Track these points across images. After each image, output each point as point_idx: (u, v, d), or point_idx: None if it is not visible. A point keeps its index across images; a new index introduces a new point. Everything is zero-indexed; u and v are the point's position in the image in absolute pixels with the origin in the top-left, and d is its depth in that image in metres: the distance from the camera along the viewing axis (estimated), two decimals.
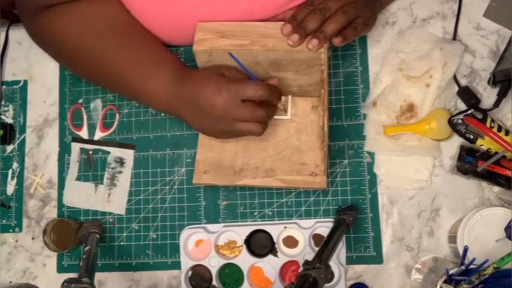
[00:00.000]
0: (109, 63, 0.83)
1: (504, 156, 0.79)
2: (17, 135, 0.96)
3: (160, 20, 0.84)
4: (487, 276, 0.66)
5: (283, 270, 0.87)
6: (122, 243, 0.91)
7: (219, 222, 0.89)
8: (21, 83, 0.98)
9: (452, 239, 0.80)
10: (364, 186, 0.87)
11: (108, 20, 0.84)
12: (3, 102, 0.98)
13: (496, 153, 0.81)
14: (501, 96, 0.82)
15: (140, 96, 0.86)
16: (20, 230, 0.94)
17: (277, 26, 0.76)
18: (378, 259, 0.85)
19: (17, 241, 0.93)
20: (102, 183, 0.93)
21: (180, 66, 0.84)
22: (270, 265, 0.87)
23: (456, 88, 0.86)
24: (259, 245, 0.87)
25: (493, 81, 0.83)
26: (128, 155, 0.93)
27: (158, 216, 0.90)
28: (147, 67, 0.83)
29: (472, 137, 0.83)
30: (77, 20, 0.84)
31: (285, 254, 0.86)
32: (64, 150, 0.95)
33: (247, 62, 0.79)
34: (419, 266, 0.84)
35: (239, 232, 0.87)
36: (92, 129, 0.95)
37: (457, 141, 0.85)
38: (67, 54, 0.86)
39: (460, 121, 0.82)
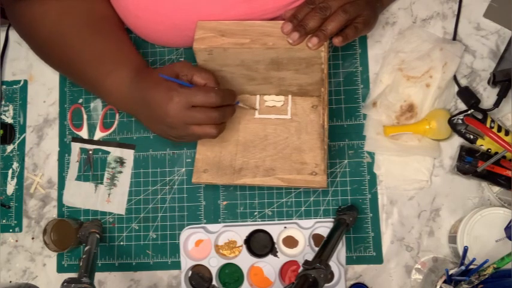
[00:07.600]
0: (76, 54, 0.83)
1: (504, 156, 0.79)
2: (17, 135, 0.96)
3: (158, 25, 0.84)
4: (487, 276, 0.66)
5: (283, 270, 0.87)
6: (122, 243, 0.91)
7: (219, 222, 0.89)
8: (21, 83, 0.98)
9: (452, 239, 0.80)
10: (364, 186, 0.87)
11: (84, 12, 0.84)
12: (3, 102, 0.98)
13: (496, 153, 0.81)
14: (501, 96, 0.82)
15: (100, 93, 0.85)
16: (20, 230, 0.94)
17: (278, 25, 0.77)
18: (377, 259, 0.85)
19: (17, 241, 0.93)
20: (102, 183, 0.93)
21: (140, 66, 0.83)
22: (269, 265, 0.87)
23: (456, 88, 0.86)
24: (259, 245, 0.87)
25: (493, 81, 0.83)
26: (128, 155, 0.93)
27: (158, 216, 0.90)
28: (108, 64, 0.82)
29: (472, 137, 0.83)
30: (56, 7, 0.83)
31: (285, 254, 0.86)
32: (64, 150, 0.95)
33: (247, 60, 0.79)
34: (419, 266, 0.84)
35: (239, 232, 0.87)
36: (92, 129, 0.94)
37: (457, 141, 0.85)
38: (41, 41, 0.86)
39: (460, 121, 0.82)
